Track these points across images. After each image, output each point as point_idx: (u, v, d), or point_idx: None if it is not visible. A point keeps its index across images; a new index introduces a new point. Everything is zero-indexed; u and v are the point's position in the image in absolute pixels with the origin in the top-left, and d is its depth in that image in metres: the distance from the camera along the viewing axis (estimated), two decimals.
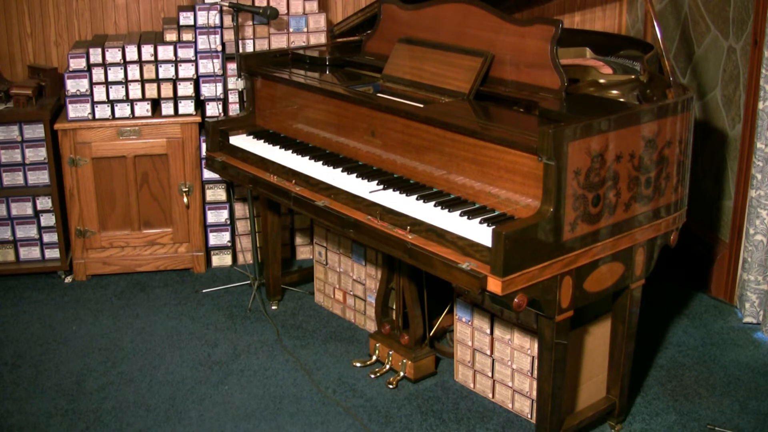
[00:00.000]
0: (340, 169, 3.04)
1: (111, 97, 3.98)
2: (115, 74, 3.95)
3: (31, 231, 4.12)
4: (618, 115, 2.51)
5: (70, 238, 4.14)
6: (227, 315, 3.82)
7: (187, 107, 4.04)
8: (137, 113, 4.02)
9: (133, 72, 3.98)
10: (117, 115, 4.00)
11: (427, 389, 3.24)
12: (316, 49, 3.86)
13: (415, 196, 2.75)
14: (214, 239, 4.24)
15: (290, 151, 3.30)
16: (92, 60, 3.93)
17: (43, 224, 4.12)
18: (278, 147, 3.35)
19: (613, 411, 2.99)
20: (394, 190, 2.82)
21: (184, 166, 4.07)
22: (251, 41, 4.11)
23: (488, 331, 3.10)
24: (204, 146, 3.81)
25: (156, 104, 4.08)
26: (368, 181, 2.91)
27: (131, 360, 3.46)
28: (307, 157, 3.19)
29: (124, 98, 3.99)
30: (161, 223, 4.16)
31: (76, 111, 3.96)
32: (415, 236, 2.62)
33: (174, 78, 4.02)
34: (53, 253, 4.16)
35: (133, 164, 4.05)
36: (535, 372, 2.95)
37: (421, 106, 2.91)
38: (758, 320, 3.69)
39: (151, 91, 4.01)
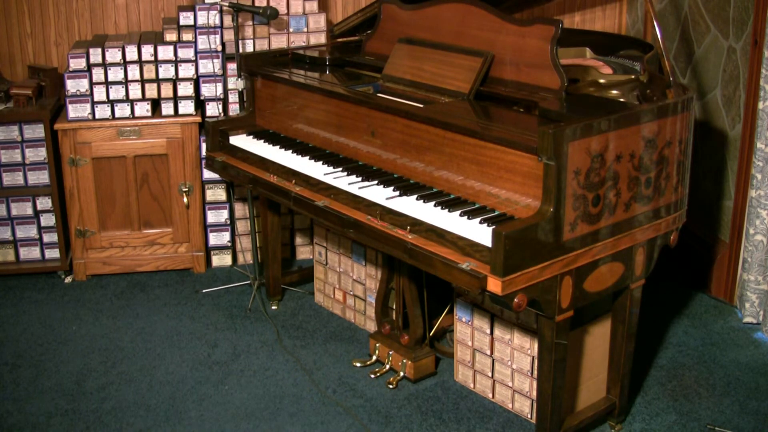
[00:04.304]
0: (340, 169, 3.04)
1: (111, 97, 3.98)
2: (115, 74, 3.95)
3: (31, 231, 4.12)
4: (618, 115, 2.51)
5: (70, 238, 4.14)
6: (227, 315, 3.82)
7: (187, 107, 4.04)
8: (137, 113, 4.02)
9: (133, 72, 3.98)
10: (117, 115, 4.00)
11: (427, 389, 3.24)
12: (316, 49, 3.86)
13: (415, 196, 2.75)
14: (214, 239, 4.24)
15: (290, 151, 3.30)
16: (92, 60, 3.93)
17: (43, 224, 4.12)
18: (278, 147, 3.35)
19: (613, 411, 2.99)
20: (393, 190, 2.82)
21: (184, 166, 4.07)
22: (251, 41, 4.11)
23: (488, 331, 3.10)
24: (204, 146, 3.81)
25: (156, 104, 4.09)
26: (368, 181, 2.91)
27: (131, 360, 3.46)
28: (307, 157, 3.19)
29: (124, 98, 3.99)
30: (161, 223, 4.17)
31: (76, 111, 3.96)
32: (415, 236, 2.62)
33: (174, 78, 4.02)
34: (53, 253, 4.16)
35: (133, 164, 4.05)
36: (535, 372, 2.95)
37: (421, 106, 2.91)
38: (758, 320, 3.69)
39: (151, 91, 4.01)
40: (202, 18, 3.98)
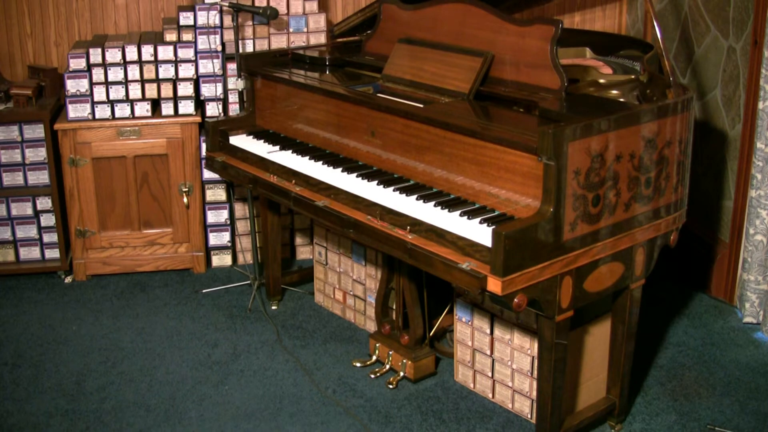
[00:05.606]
0: (340, 169, 3.04)
1: (111, 97, 3.98)
2: (115, 74, 3.95)
3: (31, 231, 4.12)
4: (618, 115, 2.51)
5: (70, 238, 4.14)
6: (227, 315, 3.82)
7: (187, 107, 4.04)
8: (137, 113, 4.02)
9: (133, 72, 3.98)
10: (117, 115, 4.00)
11: (427, 389, 3.24)
12: (316, 49, 3.87)
13: (415, 196, 2.75)
14: (214, 239, 4.24)
15: (290, 151, 3.30)
16: (92, 60, 3.93)
17: (43, 224, 4.12)
18: (278, 147, 3.35)
19: (613, 411, 2.99)
20: (393, 190, 2.82)
21: (184, 166, 4.07)
22: (251, 41, 4.11)
23: (488, 331, 3.10)
24: (204, 146, 3.81)
25: (156, 104, 4.09)
26: (368, 181, 2.91)
27: (131, 360, 3.46)
28: (307, 157, 3.19)
29: (124, 98, 3.99)
30: (161, 223, 4.16)
31: (76, 111, 3.96)
32: (415, 236, 2.62)
33: (174, 78, 4.02)
34: (53, 253, 4.16)
35: (133, 164, 4.05)
36: (535, 372, 2.95)
37: (421, 106, 2.91)
38: (758, 320, 3.69)
39: (151, 91, 4.01)
40: (202, 18, 3.98)
